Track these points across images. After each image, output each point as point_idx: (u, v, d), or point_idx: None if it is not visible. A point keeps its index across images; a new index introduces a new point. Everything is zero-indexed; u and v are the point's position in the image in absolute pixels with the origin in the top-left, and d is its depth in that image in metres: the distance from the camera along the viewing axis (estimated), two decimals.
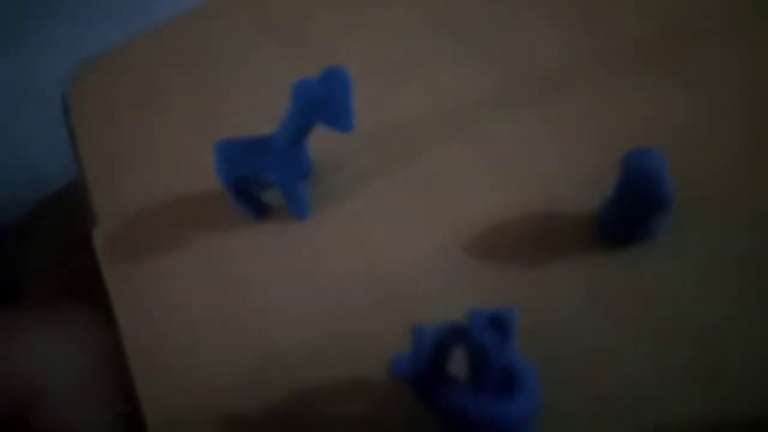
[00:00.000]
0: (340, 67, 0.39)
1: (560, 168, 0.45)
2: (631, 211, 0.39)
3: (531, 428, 0.35)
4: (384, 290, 0.42)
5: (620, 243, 0.41)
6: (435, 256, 0.43)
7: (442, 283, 0.42)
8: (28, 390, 0.47)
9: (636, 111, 0.46)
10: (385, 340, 0.40)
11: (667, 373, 0.37)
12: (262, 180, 0.44)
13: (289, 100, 0.42)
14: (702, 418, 0.35)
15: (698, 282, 0.39)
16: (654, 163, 0.37)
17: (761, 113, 0.45)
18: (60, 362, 0.49)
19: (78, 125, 0.55)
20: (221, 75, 0.55)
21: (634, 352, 0.38)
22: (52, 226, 0.67)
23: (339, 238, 0.45)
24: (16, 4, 0.69)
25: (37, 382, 0.48)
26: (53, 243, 0.66)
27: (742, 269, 0.39)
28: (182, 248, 0.47)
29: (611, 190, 0.40)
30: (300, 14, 0.58)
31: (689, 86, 0.47)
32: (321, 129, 0.46)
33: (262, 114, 0.51)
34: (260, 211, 0.46)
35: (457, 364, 0.36)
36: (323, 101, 0.39)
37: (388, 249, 0.44)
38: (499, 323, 0.32)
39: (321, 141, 0.47)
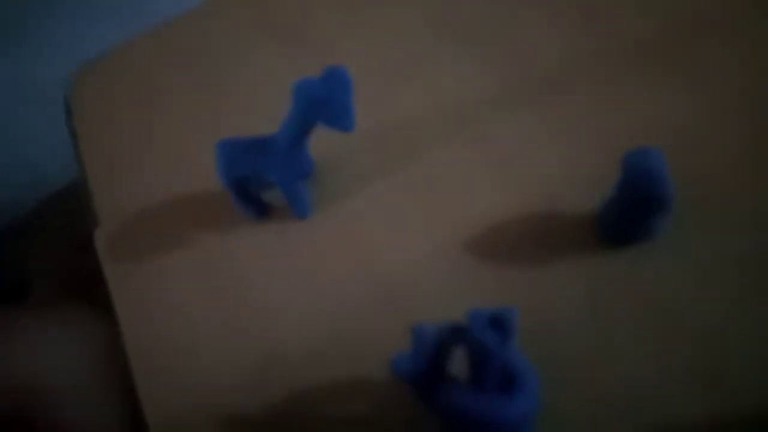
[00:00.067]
0: (341, 67, 0.39)
1: (560, 168, 0.45)
2: (631, 211, 0.39)
3: (531, 428, 0.35)
4: (384, 290, 0.42)
5: (620, 243, 0.41)
6: (435, 256, 0.43)
7: (442, 283, 0.42)
8: (30, 390, 0.47)
9: (636, 111, 0.46)
10: (386, 340, 0.40)
11: (667, 372, 0.37)
12: (263, 180, 0.44)
13: (289, 100, 0.42)
14: (702, 417, 0.35)
15: (698, 282, 0.39)
16: (654, 163, 0.37)
17: (761, 113, 0.45)
18: (61, 362, 0.49)
19: (79, 125, 0.55)
20: (221, 75, 0.55)
21: (634, 351, 0.38)
22: (53, 226, 0.67)
23: (339, 238, 0.45)
24: (16, 4, 0.69)
25: (38, 382, 0.48)
26: (54, 243, 0.66)
27: (742, 269, 0.39)
28: (183, 248, 0.47)
29: (611, 190, 0.40)
30: (300, 14, 0.58)
31: (689, 86, 0.47)
32: (322, 129, 0.46)
33: (263, 114, 0.51)
34: (261, 211, 0.46)
35: (458, 364, 0.36)
36: (324, 101, 0.39)
37: (389, 249, 0.44)
38: (499, 323, 0.32)
39: (322, 141, 0.47)
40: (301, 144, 0.42)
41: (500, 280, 0.41)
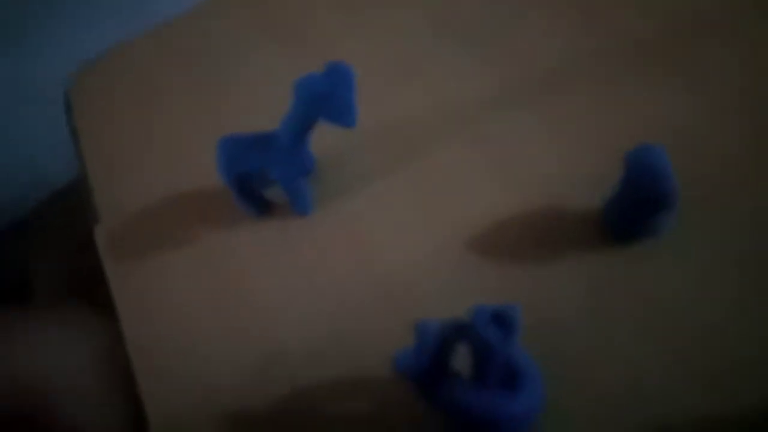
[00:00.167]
0: (343, 63, 0.39)
1: (561, 167, 0.45)
2: (635, 208, 0.39)
3: (533, 425, 0.35)
4: (385, 289, 0.42)
5: (624, 240, 0.41)
6: (436, 255, 0.43)
7: (443, 282, 0.42)
8: (31, 390, 0.47)
9: (636, 110, 0.46)
10: (387, 338, 0.40)
11: (668, 371, 0.37)
12: (265, 177, 0.43)
13: (289, 100, 0.42)
14: (702, 416, 0.35)
15: (699, 281, 0.39)
16: (658, 159, 0.37)
17: (761, 113, 0.45)
18: (62, 362, 0.49)
19: (80, 123, 0.55)
20: (221, 75, 0.55)
21: (635, 350, 0.38)
22: (54, 226, 0.67)
23: (340, 237, 0.45)
24: (16, 4, 0.69)
25: (39, 382, 0.48)
26: (54, 243, 0.66)
27: (743, 269, 0.39)
28: (184, 246, 0.47)
29: (614, 188, 0.40)
30: (300, 14, 0.58)
31: (689, 86, 0.47)
32: (323, 126, 0.46)
33: (263, 113, 0.51)
34: (262, 208, 0.46)
35: (460, 361, 0.36)
36: (326, 97, 0.39)
37: (390, 247, 0.44)
38: (502, 319, 0.32)
39: (323, 139, 0.47)
40: (303, 140, 0.42)
41: (501, 279, 0.41)
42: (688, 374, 0.37)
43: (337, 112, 0.39)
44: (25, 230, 0.67)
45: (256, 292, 0.44)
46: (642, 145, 0.38)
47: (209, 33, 0.58)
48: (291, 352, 0.41)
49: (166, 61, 0.57)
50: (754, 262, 0.39)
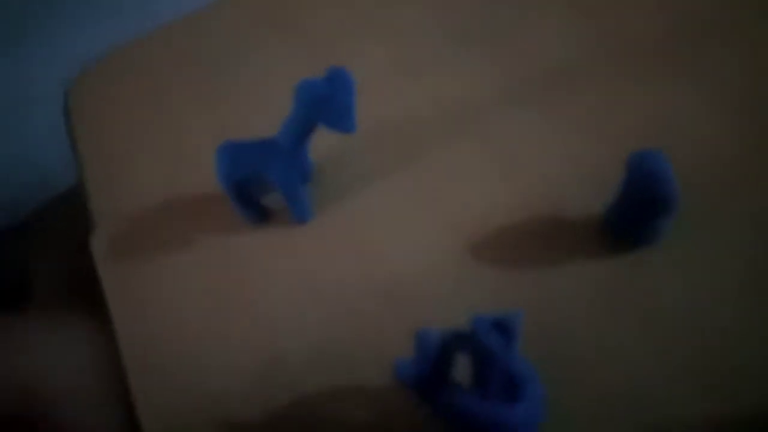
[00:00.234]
0: (343, 69, 0.39)
1: (563, 168, 0.45)
2: (636, 212, 0.39)
3: None
4: (386, 293, 0.42)
5: (626, 243, 0.41)
6: (438, 258, 0.43)
7: (444, 285, 0.42)
8: (30, 392, 0.47)
9: (636, 110, 0.46)
10: (388, 343, 0.40)
11: (670, 374, 0.37)
12: (264, 183, 0.43)
13: (291, 102, 0.41)
14: (704, 419, 0.35)
15: (700, 284, 0.39)
16: (659, 164, 0.37)
17: (761, 113, 0.45)
18: (61, 364, 0.49)
19: (78, 128, 0.55)
20: (222, 78, 0.55)
21: (636, 353, 0.38)
22: (54, 225, 0.67)
23: (341, 241, 0.45)
24: (16, 4, 0.69)
25: (38, 383, 0.48)
26: (55, 242, 0.66)
27: (744, 271, 0.39)
28: (182, 252, 0.46)
29: (616, 192, 0.40)
30: (301, 14, 0.58)
31: (690, 86, 0.47)
32: (322, 128, 0.46)
33: (264, 117, 0.51)
34: (261, 215, 0.46)
35: (461, 370, 0.36)
36: (326, 101, 0.39)
37: (390, 251, 0.44)
38: (502, 327, 0.32)
39: (323, 140, 0.47)
40: (303, 145, 0.42)
41: (503, 282, 0.41)
42: (689, 377, 0.37)
43: (337, 117, 0.39)
44: (26, 230, 0.67)
45: (255, 298, 0.44)
46: (643, 150, 0.38)
47: (209, 35, 0.58)
48: (290, 358, 0.41)
49: (167, 64, 0.57)
50: (755, 264, 0.39)
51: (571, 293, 0.40)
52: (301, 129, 0.41)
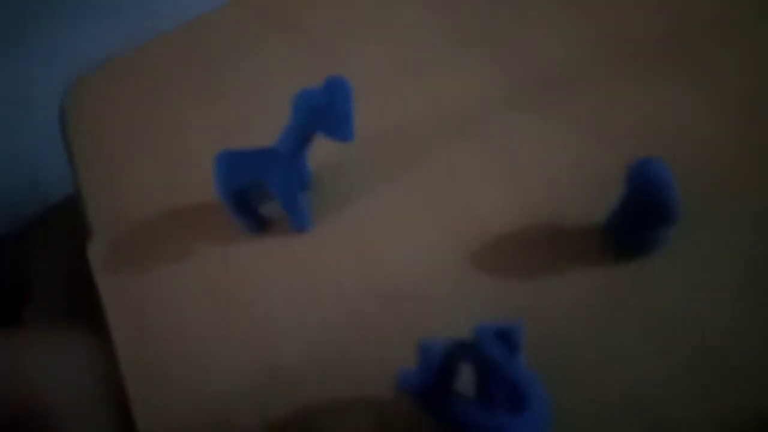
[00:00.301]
0: (342, 77, 0.39)
1: (565, 168, 0.45)
2: (637, 221, 0.39)
3: None
4: (387, 299, 0.42)
5: (627, 251, 0.41)
6: (438, 263, 0.43)
7: (446, 290, 0.42)
8: (32, 405, 0.47)
9: (637, 110, 0.46)
10: (389, 349, 0.40)
11: (671, 375, 0.37)
12: (262, 192, 0.43)
13: (290, 104, 0.41)
14: (705, 422, 0.35)
15: (701, 289, 0.39)
16: (660, 173, 0.37)
17: (761, 113, 0.45)
18: (61, 375, 0.49)
19: (74, 137, 0.54)
20: (222, 78, 0.55)
21: (638, 357, 0.38)
22: (55, 226, 0.67)
23: (340, 249, 0.44)
24: (16, 4, 0.69)
25: (38, 395, 0.47)
26: (56, 243, 0.66)
27: (745, 270, 0.39)
28: (180, 260, 0.46)
29: (618, 199, 0.40)
30: (301, 15, 0.57)
31: (690, 86, 0.47)
32: (320, 136, 0.45)
33: (264, 116, 0.51)
34: (260, 224, 0.46)
35: (465, 380, 0.36)
36: (324, 110, 0.39)
37: (391, 257, 0.43)
38: (505, 337, 0.31)
39: (321, 149, 0.46)
40: (302, 153, 0.42)
41: (504, 288, 0.41)
42: (689, 377, 0.37)
43: (335, 126, 0.40)
44: (24, 237, 0.67)
45: (255, 304, 0.43)
46: (644, 158, 0.37)
47: (209, 35, 0.58)
48: (291, 365, 0.41)
49: (164, 74, 0.56)
50: (755, 264, 0.39)
51: (573, 300, 0.40)
52: (299, 138, 0.41)
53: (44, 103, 0.60)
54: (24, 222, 0.68)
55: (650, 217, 0.38)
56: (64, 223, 0.63)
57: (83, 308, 0.49)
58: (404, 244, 0.44)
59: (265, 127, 0.47)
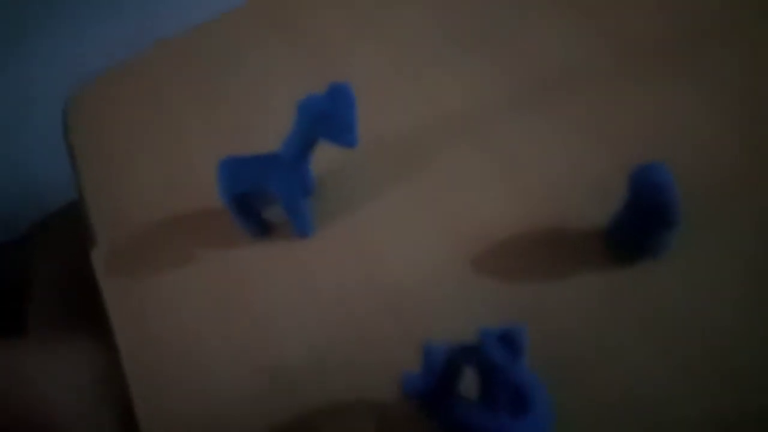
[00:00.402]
0: (345, 84, 0.39)
1: (565, 169, 0.45)
2: (639, 225, 0.39)
3: None
4: (389, 303, 0.42)
5: (629, 255, 0.41)
6: (440, 268, 0.43)
7: (448, 294, 0.42)
8: (36, 412, 0.47)
9: (638, 111, 0.46)
10: (391, 353, 0.40)
11: (671, 375, 0.37)
12: (265, 197, 0.43)
13: (291, 104, 0.41)
14: (705, 423, 0.36)
15: (702, 291, 0.39)
16: (662, 177, 0.37)
17: (761, 113, 0.45)
18: (63, 382, 0.49)
19: (77, 141, 0.54)
20: (222, 78, 0.55)
21: (638, 354, 0.38)
22: (56, 227, 0.67)
23: (343, 254, 0.44)
24: (16, 4, 0.69)
25: (41, 403, 0.47)
26: (57, 244, 0.66)
27: (745, 270, 0.39)
28: (182, 265, 0.46)
29: (620, 204, 0.40)
30: (301, 15, 0.57)
31: (690, 86, 0.47)
32: (324, 141, 0.45)
33: (264, 116, 0.51)
34: (263, 229, 0.46)
35: (468, 383, 0.36)
36: (328, 116, 0.39)
37: (393, 261, 0.43)
38: (508, 341, 0.31)
39: (324, 154, 0.46)
40: (305, 159, 0.42)
41: (506, 291, 0.41)
42: (689, 377, 0.37)
43: (339, 132, 0.40)
44: (27, 237, 0.67)
45: (257, 308, 0.43)
46: (646, 163, 0.37)
47: (209, 35, 0.58)
48: (294, 368, 0.41)
49: (165, 81, 0.56)
50: (756, 264, 0.39)
51: (575, 302, 0.40)
52: (303, 144, 0.41)
53: (44, 103, 0.60)
54: (25, 228, 0.68)
55: (653, 221, 0.38)
56: (64, 229, 0.63)
57: (84, 312, 0.49)
58: (405, 247, 0.44)
59: (265, 130, 0.48)
